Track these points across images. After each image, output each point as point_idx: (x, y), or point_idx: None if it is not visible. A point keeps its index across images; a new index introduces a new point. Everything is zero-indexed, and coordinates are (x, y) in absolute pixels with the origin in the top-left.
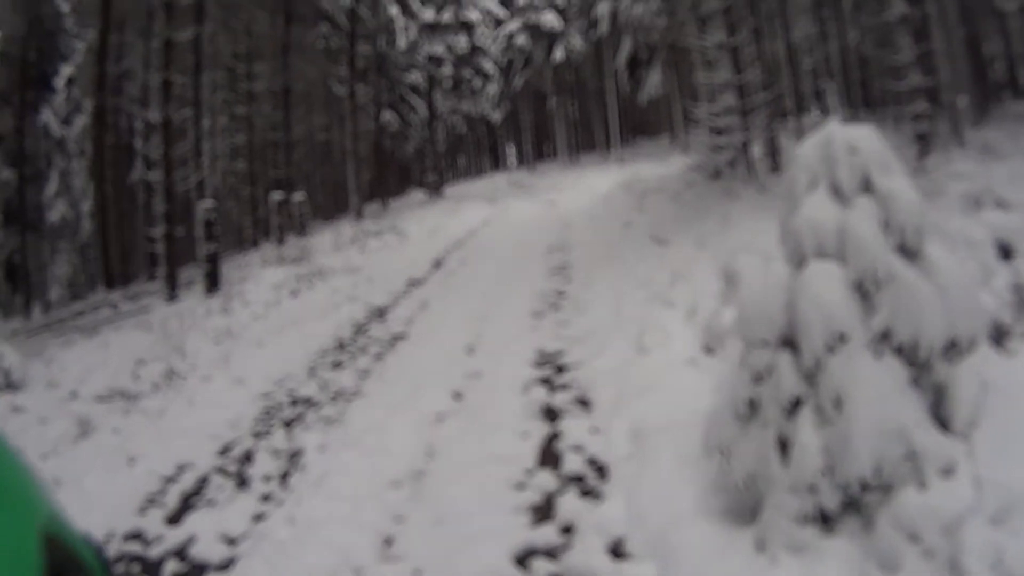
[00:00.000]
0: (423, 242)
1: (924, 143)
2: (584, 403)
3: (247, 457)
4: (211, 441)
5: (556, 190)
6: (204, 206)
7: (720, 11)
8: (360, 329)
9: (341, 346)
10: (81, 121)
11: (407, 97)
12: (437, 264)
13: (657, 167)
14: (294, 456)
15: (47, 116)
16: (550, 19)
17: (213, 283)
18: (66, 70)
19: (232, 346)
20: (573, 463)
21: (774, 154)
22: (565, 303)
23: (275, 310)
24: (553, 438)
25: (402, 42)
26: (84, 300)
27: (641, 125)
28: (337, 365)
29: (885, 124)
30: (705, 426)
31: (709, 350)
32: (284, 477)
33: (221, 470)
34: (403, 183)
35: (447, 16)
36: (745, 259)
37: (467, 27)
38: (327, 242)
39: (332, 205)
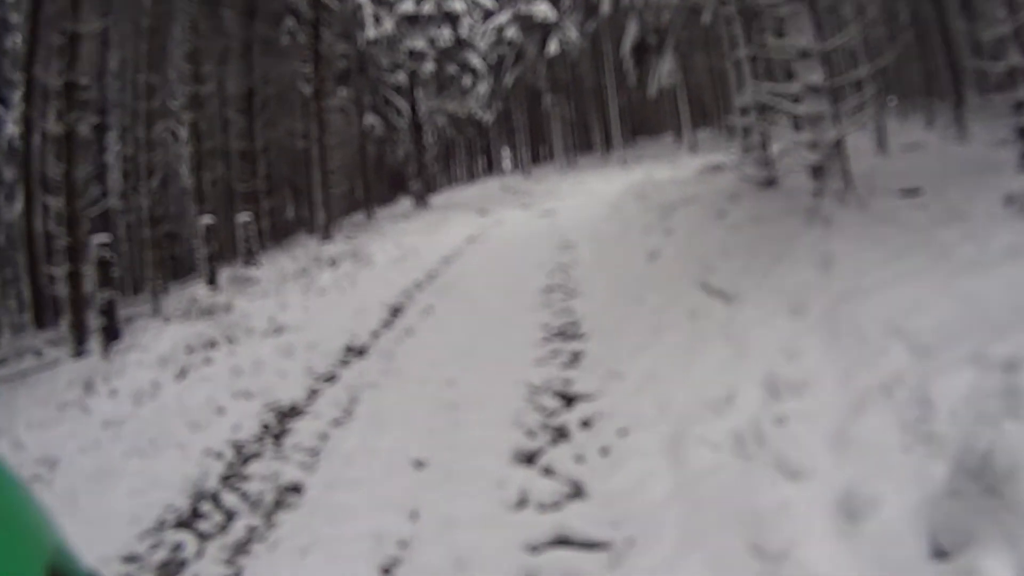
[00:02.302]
0: (386, 275)
1: None
2: None
3: None
4: None
5: (554, 197)
6: (98, 242)
7: None
8: (239, 461)
9: (194, 513)
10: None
11: (391, 99)
12: (394, 313)
13: (667, 170)
14: None
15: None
16: (543, 9)
17: (112, 337)
18: None
19: (43, 493)
20: None
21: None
22: (573, 422)
23: (145, 407)
24: None
25: (371, 32)
26: (18, 341)
27: (642, 124)
28: (169, 570)
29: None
30: None
31: None
32: None
33: None
34: (395, 190)
35: (428, 7)
36: None
37: (451, 18)
38: (272, 275)
39: (312, 218)
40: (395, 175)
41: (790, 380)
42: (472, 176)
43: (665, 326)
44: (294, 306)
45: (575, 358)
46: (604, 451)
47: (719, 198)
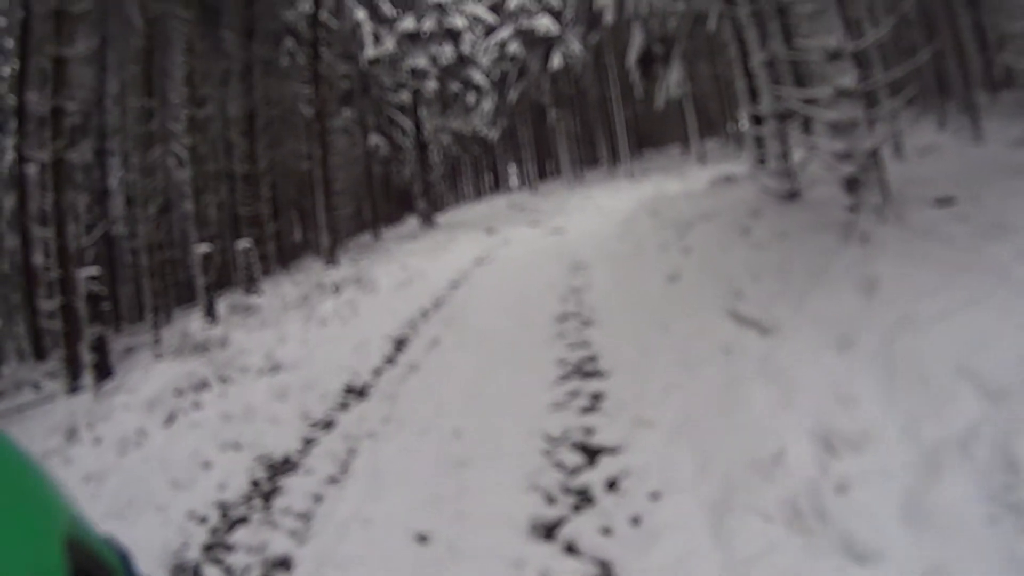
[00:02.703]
0: (390, 303)
1: None
2: None
3: None
4: None
5: (562, 213)
6: (86, 275)
7: None
8: (224, 527)
9: None
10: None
11: (395, 118)
12: (398, 347)
13: (677, 183)
14: None
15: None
16: (545, 23)
17: (104, 374)
18: None
19: None
20: None
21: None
22: (598, 483)
23: (129, 457)
24: None
25: (370, 51)
26: (19, 372)
27: (648, 136)
28: None
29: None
30: None
31: None
32: None
33: None
34: (402, 209)
35: (429, 24)
36: None
37: (452, 35)
38: (273, 303)
39: (333, 238)
40: (402, 194)
41: (847, 433)
42: (479, 194)
43: (695, 361)
44: (293, 339)
45: (596, 400)
46: (635, 521)
47: (739, 213)
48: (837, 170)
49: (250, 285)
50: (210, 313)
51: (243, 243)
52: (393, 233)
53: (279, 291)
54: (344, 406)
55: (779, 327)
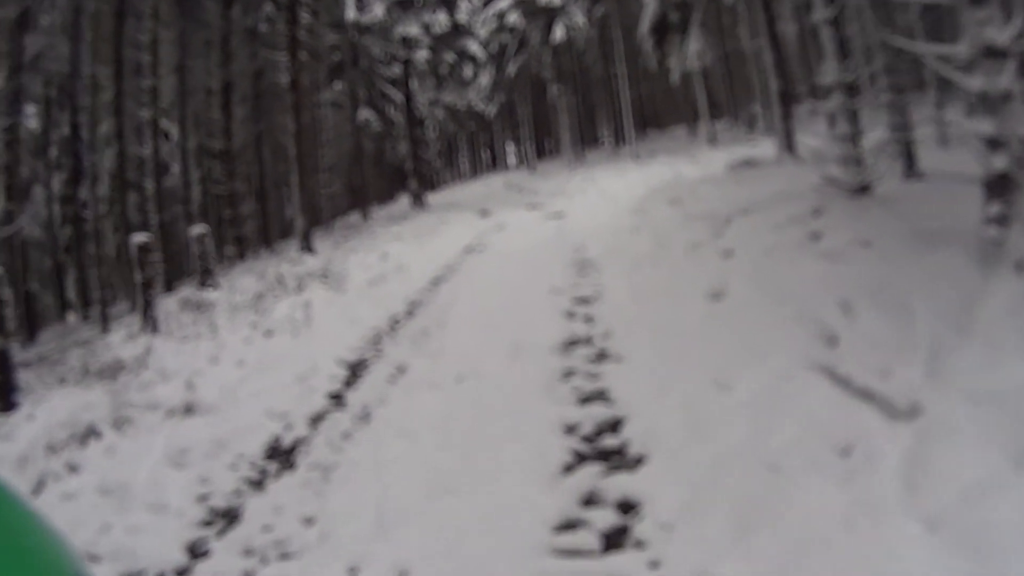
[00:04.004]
0: (356, 307)
1: None
2: None
3: None
4: None
5: (563, 196)
6: None
7: None
8: None
9: None
10: None
11: (387, 92)
12: (352, 376)
13: (689, 165)
14: None
15: None
16: None
17: (7, 400)
18: None
19: None
20: None
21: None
22: None
23: None
24: None
25: (351, 13)
26: None
27: (652, 116)
28: None
29: None
30: None
31: None
32: None
33: None
34: (397, 187)
35: None
36: None
37: (447, 2)
38: (228, 299)
39: (312, 220)
40: (396, 171)
41: None
42: (476, 171)
43: (787, 461)
44: (227, 358)
45: (626, 515)
46: None
47: (793, 208)
48: (988, 164)
49: (205, 277)
50: (147, 314)
51: (197, 228)
52: (384, 213)
53: (239, 283)
54: (259, 483)
55: (920, 408)
